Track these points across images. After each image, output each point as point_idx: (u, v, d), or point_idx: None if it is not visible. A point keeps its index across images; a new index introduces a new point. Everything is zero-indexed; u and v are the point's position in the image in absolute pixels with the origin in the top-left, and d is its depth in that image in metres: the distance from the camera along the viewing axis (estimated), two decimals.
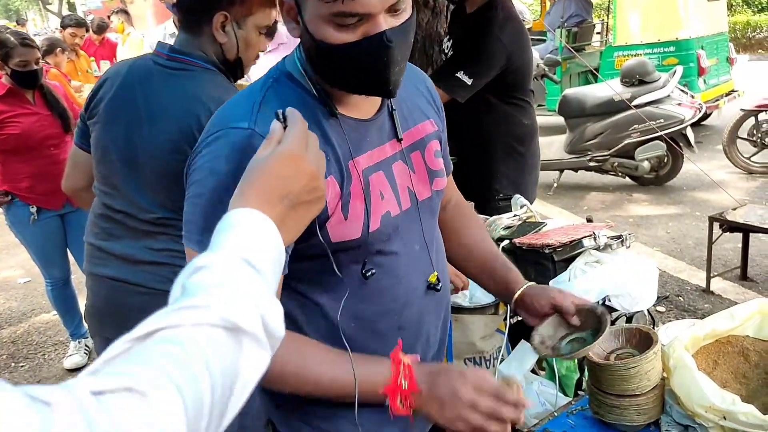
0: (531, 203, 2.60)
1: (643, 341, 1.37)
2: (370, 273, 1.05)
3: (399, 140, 1.10)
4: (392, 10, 0.91)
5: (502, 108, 2.72)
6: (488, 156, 2.75)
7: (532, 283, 1.32)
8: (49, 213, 3.21)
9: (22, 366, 3.66)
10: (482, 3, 2.65)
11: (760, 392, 1.32)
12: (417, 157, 1.14)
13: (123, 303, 1.65)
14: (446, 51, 2.88)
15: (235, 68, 1.66)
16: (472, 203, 2.41)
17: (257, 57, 1.69)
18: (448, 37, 2.92)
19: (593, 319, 1.27)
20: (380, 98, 1.07)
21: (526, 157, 2.82)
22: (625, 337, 1.40)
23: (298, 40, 0.99)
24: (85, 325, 2.68)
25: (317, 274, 1.04)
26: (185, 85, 1.56)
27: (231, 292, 0.64)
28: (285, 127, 0.81)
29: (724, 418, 1.24)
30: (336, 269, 1.01)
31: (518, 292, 1.28)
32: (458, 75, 2.54)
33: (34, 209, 3.16)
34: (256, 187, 0.76)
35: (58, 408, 0.45)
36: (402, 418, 1.01)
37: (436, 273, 1.17)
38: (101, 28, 7.05)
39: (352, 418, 1.03)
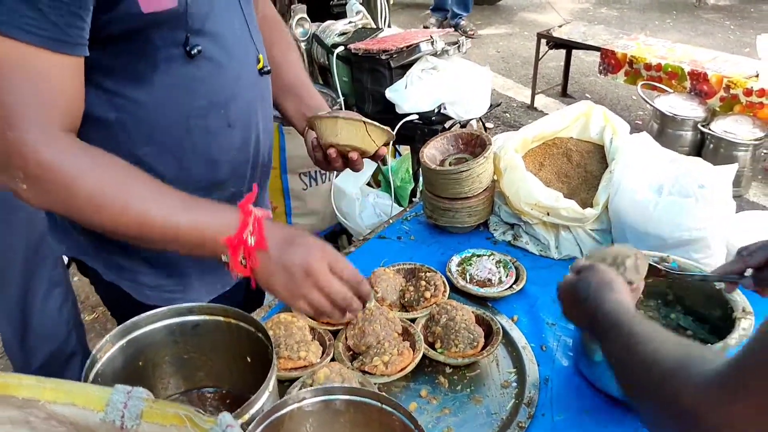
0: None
1: (479, 146, 1.36)
2: (195, 50, 0.89)
3: None
4: None
5: None
6: None
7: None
8: None
9: None
10: None
11: (579, 189, 1.38)
12: None
13: None
14: None
15: None
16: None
17: None
18: None
19: None
20: None
21: None
22: (462, 142, 1.39)
23: None
24: None
25: (130, 63, 0.87)
26: None
27: None
28: None
29: (548, 213, 1.29)
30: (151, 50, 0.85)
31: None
32: None
33: None
34: None
35: None
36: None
37: (261, 56, 1.04)
38: None
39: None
